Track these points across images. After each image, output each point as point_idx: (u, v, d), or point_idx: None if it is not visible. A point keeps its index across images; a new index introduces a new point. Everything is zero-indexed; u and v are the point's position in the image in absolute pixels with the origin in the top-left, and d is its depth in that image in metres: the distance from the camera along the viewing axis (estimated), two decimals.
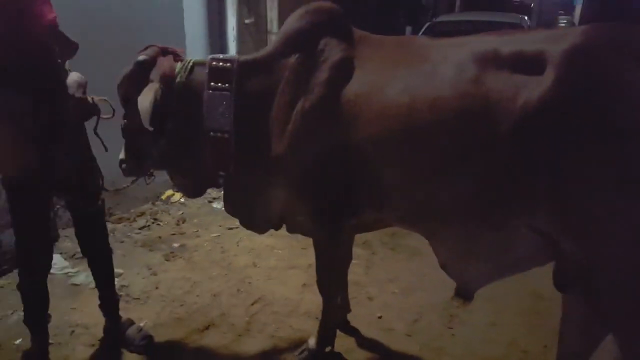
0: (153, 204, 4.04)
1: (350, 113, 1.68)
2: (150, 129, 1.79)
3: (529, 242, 1.61)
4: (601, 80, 1.31)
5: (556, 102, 1.34)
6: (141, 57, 1.91)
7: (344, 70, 1.72)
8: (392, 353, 2.30)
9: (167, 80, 1.89)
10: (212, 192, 4.27)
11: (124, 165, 2.00)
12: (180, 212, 3.94)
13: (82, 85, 1.91)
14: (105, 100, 1.99)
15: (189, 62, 1.93)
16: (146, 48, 1.96)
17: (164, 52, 1.96)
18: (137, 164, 2.00)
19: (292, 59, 1.79)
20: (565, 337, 1.76)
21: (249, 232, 3.47)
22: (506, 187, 1.48)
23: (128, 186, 2.14)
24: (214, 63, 1.87)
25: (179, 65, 1.94)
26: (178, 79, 1.90)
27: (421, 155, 1.58)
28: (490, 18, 6.25)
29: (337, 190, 1.81)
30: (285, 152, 1.79)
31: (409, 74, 1.62)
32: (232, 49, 5.04)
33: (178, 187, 2.18)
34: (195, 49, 4.40)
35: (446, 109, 1.50)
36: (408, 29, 8.20)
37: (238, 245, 3.38)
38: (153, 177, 2.09)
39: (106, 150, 2.04)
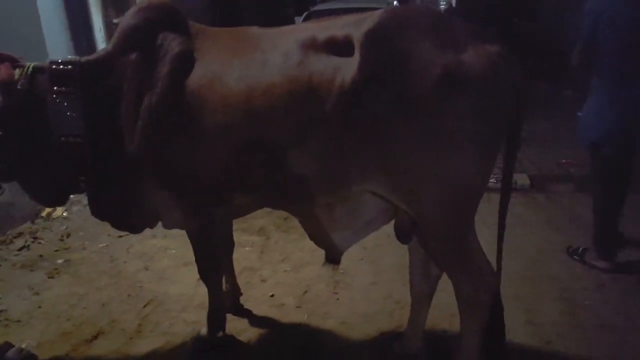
0: (32, 222, 3.79)
1: (195, 104, 1.75)
2: None
3: (373, 206, 1.83)
4: (392, 58, 1.53)
5: (363, 80, 1.53)
6: None
7: (184, 63, 1.78)
8: (282, 326, 2.45)
9: (6, 87, 1.82)
10: None
11: None
12: (64, 227, 3.74)
13: None
14: None
15: (28, 68, 1.87)
16: None
17: None
18: None
19: (132, 56, 1.81)
20: (413, 281, 2.04)
21: (141, 236, 3.45)
22: (342, 160, 1.66)
23: None
24: (55, 67, 1.83)
25: (17, 71, 1.86)
26: (19, 86, 1.84)
27: (264, 138, 1.70)
28: (359, 5, 6.57)
29: (196, 180, 1.87)
30: (140, 149, 1.81)
31: (244, 63, 1.73)
32: None
33: (34, 198, 2.08)
34: (59, 52, 4.12)
35: (278, 93, 1.64)
36: (298, 19, 8.38)
37: (128, 252, 3.31)
38: (3, 190, 1.99)
39: None
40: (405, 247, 2.81)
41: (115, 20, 5.00)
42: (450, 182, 1.58)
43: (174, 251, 3.27)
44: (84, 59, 1.88)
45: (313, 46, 1.64)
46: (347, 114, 1.57)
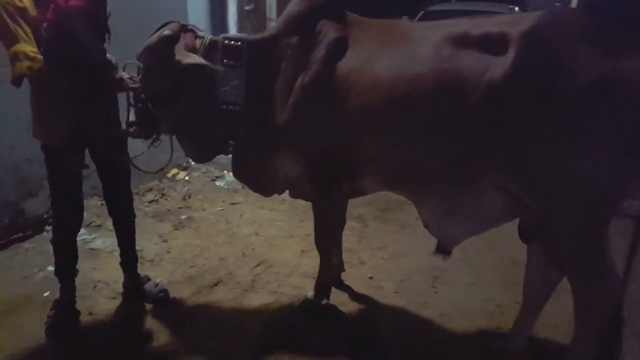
0: (159, 181, 4.27)
1: (344, 86, 1.92)
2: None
3: (497, 202, 1.89)
4: (548, 58, 1.58)
5: (515, 77, 1.60)
6: (167, 32, 2.12)
7: (338, 49, 1.96)
8: (381, 306, 2.58)
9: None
10: (214, 172, 4.54)
11: (133, 128, 2.19)
12: (186, 189, 4.18)
13: (116, 67, 2.13)
14: (137, 63, 2.14)
15: (206, 40, 2.16)
16: (166, 24, 2.17)
17: (184, 28, 2.19)
18: (147, 127, 2.21)
19: (294, 39, 2.03)
20: (529, 282, 2.04)
21: (251, 206, 3.79)
22: (474, 151, 1.75)
23: (142, 154, 2.30)
24: (227, 42, 2.11)
25: (198, 41, 2.16)
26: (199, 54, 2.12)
27: (404, 122, 1.84)
28: (479, 8, 6.46)
29: (334, 158, 2.05)
30: (288, 123, 2.03)
31: (394, 53, 1.88)
32: None
33: (187, 152, 2.36)
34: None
35: (424, 82, 1.76)
36: (404, 18, 8.48)
37: (241, 218, 3.64)
38: (160, 142, 2.29)
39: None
40: (506, 255, 2.79)
41: (246, 8, 5.45)
42: (588, 185, 1.59)
43: (280, 223, 3.55)
44: (252, 37, 2.13)
45: (465, 41, 1.74)
46: (491, 108, 1.65)
